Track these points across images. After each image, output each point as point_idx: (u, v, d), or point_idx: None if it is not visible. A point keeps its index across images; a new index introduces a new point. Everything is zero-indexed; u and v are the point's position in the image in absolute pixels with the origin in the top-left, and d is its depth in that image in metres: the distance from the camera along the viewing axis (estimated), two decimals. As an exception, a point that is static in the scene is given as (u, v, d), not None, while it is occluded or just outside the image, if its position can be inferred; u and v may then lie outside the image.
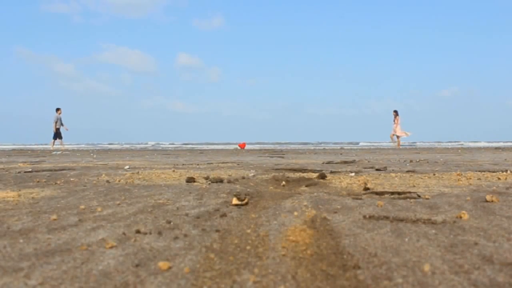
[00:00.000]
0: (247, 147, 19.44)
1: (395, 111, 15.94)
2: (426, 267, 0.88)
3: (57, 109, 15.95)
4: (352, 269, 0.90)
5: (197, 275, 0.87)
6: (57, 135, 15.67)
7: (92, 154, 9.47)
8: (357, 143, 35.22)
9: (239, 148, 17.69)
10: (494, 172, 3.29)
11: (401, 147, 16.44)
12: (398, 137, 15.92)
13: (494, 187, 2.25)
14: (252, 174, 3.27)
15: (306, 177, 2.92)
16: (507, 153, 8.38)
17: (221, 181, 2.63)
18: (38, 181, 2.81)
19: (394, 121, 15.93)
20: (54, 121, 15.67)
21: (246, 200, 1.78)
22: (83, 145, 32.79)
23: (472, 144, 27.39)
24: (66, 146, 17.46)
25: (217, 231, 1.26)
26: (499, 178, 2.70)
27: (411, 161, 5.53)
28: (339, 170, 3.82)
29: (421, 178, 2.80)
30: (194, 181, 2.68)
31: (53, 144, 15.95)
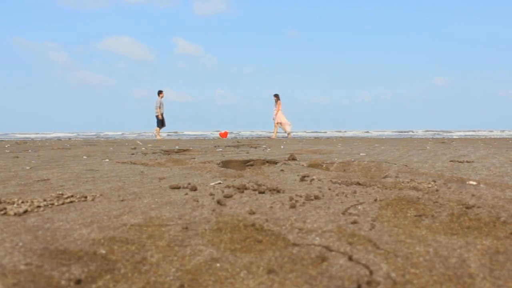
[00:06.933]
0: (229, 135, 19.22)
1: (276, 95, 14.10)
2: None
3: (159, 92, 13.35)
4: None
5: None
6: (161, 122, 13.49)
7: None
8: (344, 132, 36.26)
9: (219, 137, 16.64)
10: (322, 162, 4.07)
11: (278, 137, 14.39)
12: (275, 125, 14.12)
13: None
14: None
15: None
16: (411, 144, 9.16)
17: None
18: None
19: (275, 106, 14.12)
20: (156, 106, 13.35)
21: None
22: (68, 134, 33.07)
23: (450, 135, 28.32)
24: (162, 136, 14.55)
25: (114, 192, 2.00)
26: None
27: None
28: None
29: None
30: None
31: (159, 132, 13.74)
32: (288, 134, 14.80)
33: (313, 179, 2.50)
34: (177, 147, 7.00)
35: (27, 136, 28.07)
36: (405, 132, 38.54)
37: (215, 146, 7.23)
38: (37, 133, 37.82)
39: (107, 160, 4.20)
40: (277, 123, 14.15)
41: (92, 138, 19.04)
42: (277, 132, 14.72)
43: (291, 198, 1.84)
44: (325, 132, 37.57)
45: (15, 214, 1.54)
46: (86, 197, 1.89)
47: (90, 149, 6.45)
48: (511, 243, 1.20)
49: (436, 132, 33.87)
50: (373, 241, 1.21)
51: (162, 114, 13.44)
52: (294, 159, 3.97)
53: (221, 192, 2.05)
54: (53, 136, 26.41)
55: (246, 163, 3.85)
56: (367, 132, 39.38)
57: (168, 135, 14.90)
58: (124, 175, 2.81)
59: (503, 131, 39.90)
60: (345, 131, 41.21)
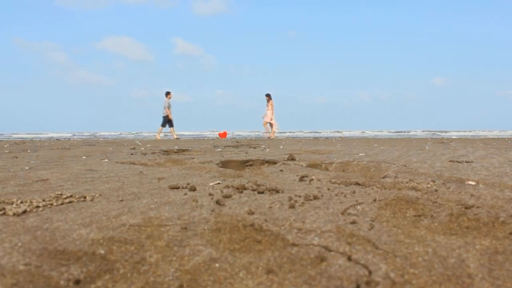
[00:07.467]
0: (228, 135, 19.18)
1: (268, 95, 14.08)
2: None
3: (167, 93, 13.67)
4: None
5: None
6: (170, 122, 13.80)
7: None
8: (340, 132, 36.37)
9: (218, 137, 17.14)
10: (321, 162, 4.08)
11: (276, 136, 14.25)
12: (271, 125, 14.17)
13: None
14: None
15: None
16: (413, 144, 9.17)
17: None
18: None
19: (267, 106, 14.09)
20: (165, 107, 13.63)
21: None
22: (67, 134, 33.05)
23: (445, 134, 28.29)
24: (160, 136, 14.72)
25: (113, 192, 1.99)
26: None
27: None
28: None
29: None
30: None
31: (160, 132, 13.97)
32: (272, 134, 14.72)
33: (312, 179, 2.50)
34: (176, 147, 7.00)
35: (20, 136, 27.93)
36: (402, 132, 38.62)
37: (214, 146, 7.23)
38: (29, 133, 37.69)
39: (106, 160, 4.20)
40: (266, 123, 14.26)
41: (89, 138, 19.01)
42: (275, 132, 14.71)
43: (290, 198, 1.84)
44: (320, 132, 37.69)
45: (14, 214, 1.54)
46: (85, 197, 1.89)
47: (89, 149, 6.45)
48: (510, 243, 1.20)
49: (434, 132, 33.90)
50: (372, 241, 1.21)
51: (170, 114, 13.74)
52: (293, 159, 3.97)
53: (220, 192, 2.05)
54: (47, 137, 26.34)
55: (245, 163, 3.85)
56: (363, 132, 39.45)
57: (165, 135, 14.94)
58: (123, 175, 2.80)
59: (503, 131, 39.99)
60: (341, 131, 41.32)
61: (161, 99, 14.30)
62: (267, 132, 14.71)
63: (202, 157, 4.56)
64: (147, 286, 0.92)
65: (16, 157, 4.64)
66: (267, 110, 14.27)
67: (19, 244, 1.18)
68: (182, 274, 0.98)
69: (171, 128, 14.17)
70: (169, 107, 13.77)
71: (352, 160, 3.88)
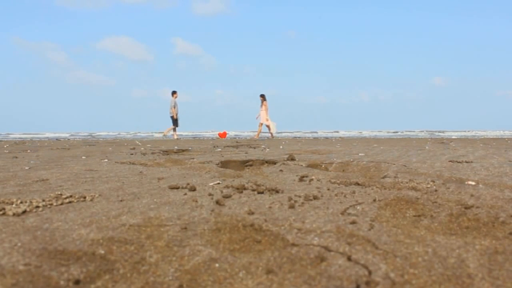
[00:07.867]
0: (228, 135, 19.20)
1: (262, 95, 14.35)
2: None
3: (173, 92, 13.62)
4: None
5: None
6: (175, 122, 13.74)
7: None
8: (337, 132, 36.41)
9: (218, 137, 17.16)
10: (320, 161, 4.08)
11: (260, 137, 14.75)
12: (268, 126, 14.35)
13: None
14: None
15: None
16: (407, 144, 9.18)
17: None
18: None
19: (261, 106, 14.36)
20: (171, 106, 13.58)
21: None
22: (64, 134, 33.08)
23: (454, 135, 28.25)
24: (166, 133, 14.69)
25: (113, 193, 1.99)
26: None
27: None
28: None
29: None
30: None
31: (175, 132, 13.98)
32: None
33: (312, 179, 2.50)
34: (176, 147, 7.00)
35: (17, 136, 27.84)
36: (401, 132, 38.63)
37: (214, 146, 7.22)
38: (27, 133, 37.60)
39: (106, 160, 4.20)
40: (261, 124, 14.47)
41: (88, 138, 19.00)
42: (274, 132, 14.82)
43: (290, 198, 1.84)
44: (317, 132, 37.72)
45: (14, 214, 1.53)
46: (85, 197, 1.89)
47: (89, 149, 6.44)
48: (510, 243, 1.20)
49: (433, 132, 33.89)
50: (372, 241, 1.21)
51: (177, 114, 13.75)
52: (293, 159, 3.97)
53: (220, 192, 2.05)
54: (45, 137, 26.30)
55: (245, 163, 3.85)
56: (360, 132, 39.46)
57: (164, 135, 14.98)
58: (123, 175, 2.80)
59: (503, 131, 40.04)
60: (339, 131, 41.33)
61: (160, 99, 14.50)
62: (266, 132, 14.89)
63: (202, 157, 4.56)
64: (147, 286, 0.92)
65: (16, 157, 4.64)
66: (262, 110, 14.48)
67: (19, 244, 1.18)
68: (182, 274, 0.98)
69: (169, 127, 14.18)
70: (174, 106, 13.74)
71: (352, 160, 3.88)
